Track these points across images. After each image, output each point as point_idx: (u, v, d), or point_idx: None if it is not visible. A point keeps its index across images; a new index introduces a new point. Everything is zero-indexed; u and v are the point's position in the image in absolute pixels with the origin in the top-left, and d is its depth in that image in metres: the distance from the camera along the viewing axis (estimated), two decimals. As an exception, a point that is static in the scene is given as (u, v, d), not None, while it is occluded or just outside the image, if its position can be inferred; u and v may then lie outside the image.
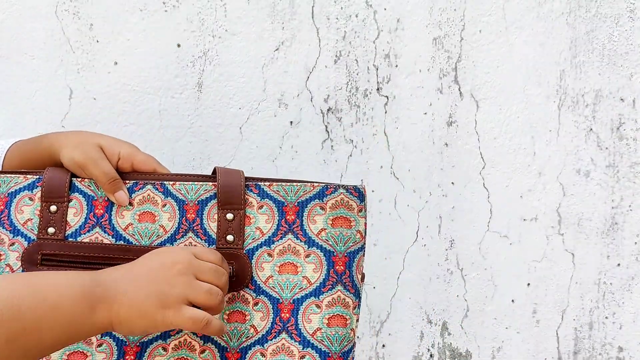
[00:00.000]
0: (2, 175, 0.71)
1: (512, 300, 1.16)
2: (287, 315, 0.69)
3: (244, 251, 0.70)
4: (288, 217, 0.70)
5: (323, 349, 0.68)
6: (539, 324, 1.17)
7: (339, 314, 0.69)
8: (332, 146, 1.07)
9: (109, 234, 0.71)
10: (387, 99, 1.09)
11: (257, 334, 0.69)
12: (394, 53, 1.08)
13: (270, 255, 0.70)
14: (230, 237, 0.70)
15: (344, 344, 0.69)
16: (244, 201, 0.70)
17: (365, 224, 0.73)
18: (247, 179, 0.72)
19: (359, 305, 0.71)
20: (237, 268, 0.69)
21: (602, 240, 1.17)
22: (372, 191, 1.10)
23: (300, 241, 0.70)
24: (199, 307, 0.63)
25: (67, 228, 0.71)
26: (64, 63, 0.96)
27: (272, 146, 1.05)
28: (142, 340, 0.69)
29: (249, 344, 0.68)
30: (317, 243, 0.70)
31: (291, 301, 0.69)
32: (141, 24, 0.98)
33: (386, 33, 1.07)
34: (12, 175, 0.72)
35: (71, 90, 0.97)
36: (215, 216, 0.70)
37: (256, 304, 0.69)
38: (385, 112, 1.09)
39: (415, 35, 1.08)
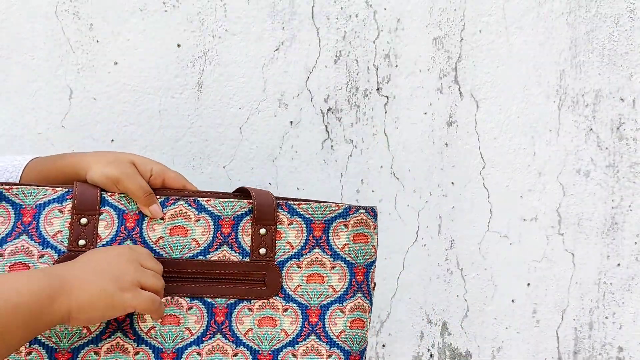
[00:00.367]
0: (29, 187, 0.72)
1: (512, 300, 1.16)
2: (315, 319, 0.77)
3: (275, 263, 0.77)
4: (315, 232, 0.79)
5: (346, 349, 0.77)
6: (539, 324, 1.17)
7: (359, 318, 0.78)
8: (332, 146, 1.07)
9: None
10: (387, 99, 1.09)
11: (287, 337, 0.76)
12: (394, 53, 1.08)
13: (299, 266, 0.78)
14: (262, 250, 0.76)
15: (362, 343, 0.78)
16: (276, 218, 0.77)
17: (377, 239, 0.82)
18: (277, 198, 0.79)
19: (371, 309, 0.81)
20: (269, 278, 0.76)
21: (602, 240, 1.17)
22: (372, 191, 1.10)
23: (327, 254, 0.79)
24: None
25: (98, 240, 0.73)
26: (64, 63, 0.96)
27: (272, 146, 1.05)
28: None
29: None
30: (342, 256, 0.79)
31: (318, 307, 0.77)
32: (141, 24, 0.98)
33: (386, 33, 1.07)
34: (40, 187, 0.72)
35: (71, 90, 0.97)
36: (249, 231, 0.77)
37: (285, 310, 0.76)
38: (385, 112, 1.09)
39: (415, 35, 1.08)
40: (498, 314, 1.16)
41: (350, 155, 1.08)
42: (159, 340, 0.73)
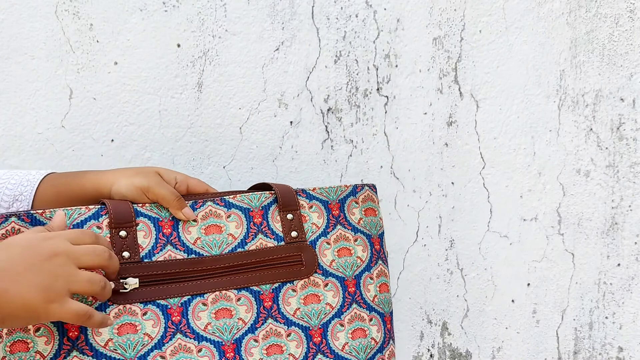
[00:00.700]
0: (61, 209, 0.72)
1: (512, 300, 1.16)
2: (353, 289, 0.83)
3: (307, 243, 0.82)
4: (334, 212, 0.85)
5: (381, 311, 0.85)
6: (539, 324, 1.17)
7: (384, 283, 0.87)
8: (332, 146, 1.07)
9: (180, 250, 0.76)
10: (387, 99, 1.09)
11: (332, 309, 0.81)
12: (394, 53, 1.08)
13: (328, 243, 0.84)
14: (294, 233, 0.82)
15: (390, 305, 0.87)
16: (298, 203, 0.83)
17: (381, 212, 0.91)
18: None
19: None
20: (306, 257, 0.81)
21: (602, 240, 1.17)
22: (372, 191, 1.10)
23: (348, 230, 0.85)
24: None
25: (140, 250, 0.74)
26: (64, 63, 0.96)
27: (272, 146, 1.05)
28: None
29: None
30: (360, 229, 0.86)
31: (353, 277, 0.84)
32: (141, 24, 0.98)
33: (386, 33, 1.07)
34: (73, 208, 0.73)
35: (71, 90, 0.97)
36: (278, 217, 0.82)
37: (326, 285, 0.82)
38: (385, 112, 1.09)
39: (415, 35, 1.08)
40: (498, 314, 1.16)
41: (350, 155, 1.08)
42: (217, 335, 0.74)
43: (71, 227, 0.71)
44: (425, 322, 1.14)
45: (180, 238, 0.76)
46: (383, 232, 0.89)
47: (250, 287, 0.77)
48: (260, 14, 1.02)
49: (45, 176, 0.77)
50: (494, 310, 1.16)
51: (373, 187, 0.89)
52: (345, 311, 0.82)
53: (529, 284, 1.16)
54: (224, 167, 1.03)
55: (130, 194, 0.76)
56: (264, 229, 0.81)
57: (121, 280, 0.71)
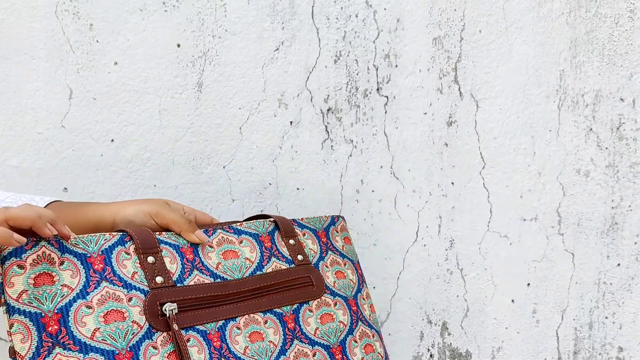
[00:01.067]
0: (85, 235, 0.70)
1: (512, 300, 1.16)
2: (355, 308, 0.87)
3: (312, 265, 0.86)
4: (322, 239, 0.89)
5: (374, 327, 0.88)
6: (539, 324, 1.17)
7: (371, 304, 0.91)
8: (332, 146, 1.07)
9: (206, 275, 0.76)
10: (387, 99, 1.09)
11: (345, 327, 0.84)
12: (394, 53, 1.08)
13: (327, 267, 0.87)
14: (300, 257, 0.85)
15: (378, 323, 0.91)
16: (295, 230, 0.87)
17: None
18: None
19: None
20: (314, 278, 0.84)
21: (602, 240, 1.17)
22: (372, 191, 1.10)
23: (337, 255, 0.89)
24: None
25: (170, 275, 0.73)
26: (64, 63, 0.96)
27: (272, 146, 1.05)
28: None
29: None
30: (345, 255, 0.91)
31: (352, 297, 0.88)
32: (141, 24, 0.98)
33: (386, 33, 1.07)
34: (97, 234, 0.71)
35: (71, 90, 0.97)
36: (283, 242, 0.85)
37: (335, 304, 0.85)
38: (385, 112, 1.09)
39: (415, 35, 1.08)
40: (498, 314, 1.16)
41: (350, 155, 1.08)
42: (256, 358, 0.75)
43: (99, 252, 0.69)
44: (425, 322, 1.14)
45: (203, 263, 0.76)
46: (358, 260, 0.94)
47: (274, 310, 0.78)
48: (260, 14, 1.02)
49: (49, 203, 0.77)
50: (494, 310, 1.16)
51: (343, 219, 0.94)
52: (355, 328, 0.85)
53: (529, 284, 1.16)
54: (224, 167, 1.03)
55: (138, 220, 0.75)
56: (275, 253, 0.83)
57: (160, 306, 0.70)
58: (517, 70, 1.12)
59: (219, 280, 0.76)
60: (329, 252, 0.89)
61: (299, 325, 0.80)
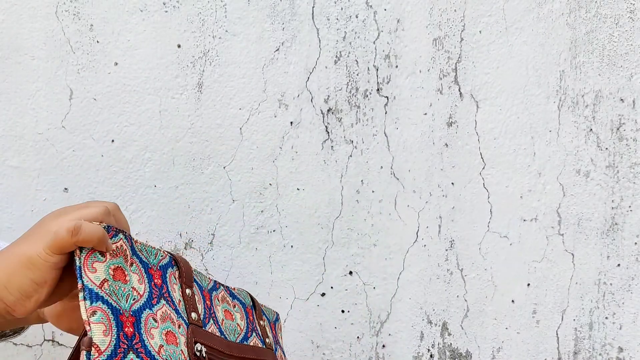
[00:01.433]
0: (141, 243, 0.62)
1: (512, 301, 1.16)
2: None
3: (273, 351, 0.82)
4: (273, 331, 0.86)
5: None
6: (539, 324, 1.18)
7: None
8: (332, 146, 1.07)
9: (216, 327, 0.70)
10: (387, 99, 1.09)
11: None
12: (394, 54, 1.08)
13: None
14: (267, 340, 0.81)
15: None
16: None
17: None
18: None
19: None
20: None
21: (602, 240, 1.17)
22: (372, 191, 1.10)
23: (282, 352, 0.87)
24: None
25: (199, 315, 0.67)
26: (64, 63, 0.96)
27: (272, 146, 1.05)
28: None
29: None
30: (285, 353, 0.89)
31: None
32: (141, 25, 0.98)
33: (386, 34, 1.07)
34: (154, 248, 0.63)
35: (71, 90, 0.97)
36: (257, 321, 0.81)
37: None
38: (386, 113, 1.09)
39: (415, 35, 1.08)
40: (498, 314, 1.16)
41: (351, 156, 1.08)
42: None
43: (158, 267, 0.63)
44: (425, 323, 1.14)
45: (215, 314, 0.71)
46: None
47: None
48: (260, 15, 1.03)
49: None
50: (494, 310, 1.16)
51: (278, 316, 0.90)
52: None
53: (529, 284, 1.16)
54: (224, 167, 1.03)
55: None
56: (255, 328, 0.78)
57: (194, 344, 0.63)
58: (517, 70, 1.12)
59: (223, 337, 0.71)
60: (277, 346, 0.85)
61: None
